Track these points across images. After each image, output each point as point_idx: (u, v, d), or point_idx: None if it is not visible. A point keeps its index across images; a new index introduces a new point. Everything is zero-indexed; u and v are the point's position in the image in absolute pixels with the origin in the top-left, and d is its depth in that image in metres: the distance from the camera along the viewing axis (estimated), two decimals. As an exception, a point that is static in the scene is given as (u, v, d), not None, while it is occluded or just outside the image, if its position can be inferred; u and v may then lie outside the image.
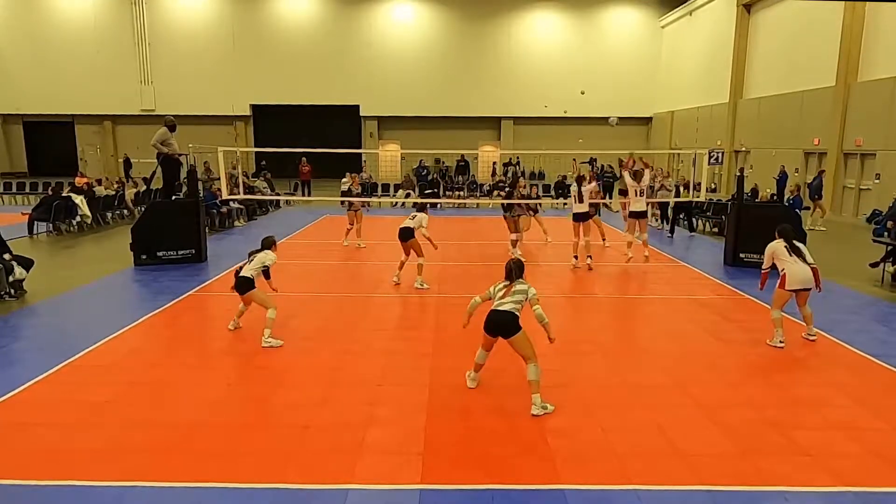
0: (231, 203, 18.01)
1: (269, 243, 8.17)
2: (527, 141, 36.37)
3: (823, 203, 19.26)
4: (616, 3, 36.86)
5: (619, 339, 8.37)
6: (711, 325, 8.82)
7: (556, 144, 33.01)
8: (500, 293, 6.08)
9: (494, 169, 28.01)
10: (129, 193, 20.11)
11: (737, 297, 10.39)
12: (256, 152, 32.41)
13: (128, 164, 30.65)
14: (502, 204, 14.19)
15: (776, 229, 7.89)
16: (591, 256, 12.58)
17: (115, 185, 20.77)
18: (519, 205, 13.67)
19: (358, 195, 15.40)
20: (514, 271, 6.13)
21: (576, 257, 12.57)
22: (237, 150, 25.54)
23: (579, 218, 12.36)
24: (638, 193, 12.69)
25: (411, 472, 4.83)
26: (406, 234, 10.62)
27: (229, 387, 6.46)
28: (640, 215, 12.82)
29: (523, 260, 6.35)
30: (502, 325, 5.92)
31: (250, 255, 8.07)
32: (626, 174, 13.03)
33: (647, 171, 12.84)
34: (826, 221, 18.86)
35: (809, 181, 20.42)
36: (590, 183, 12.58)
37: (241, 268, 7.99)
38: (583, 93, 33.40)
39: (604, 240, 14.52)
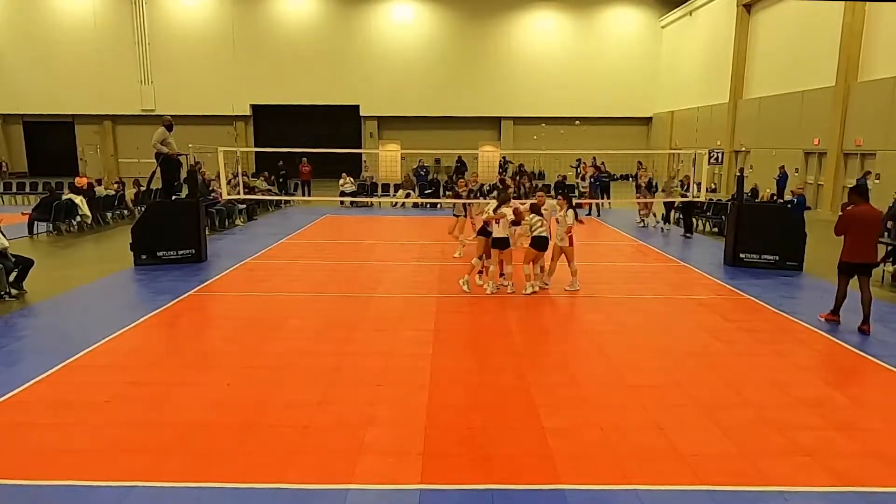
0: (220, 199, 17.54)
1: (505, 199, 9.90)
2: (527, 141, 36.39)
3: None
4: (616, 3, 36.89)
5: (618, 339, 8.36)
6: (711, 325, 8.81)
7: (556, 144, 33.07)
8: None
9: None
10: (129, 193, 20.11)
11: (737, 297, 10.39)
12: (257, 152, 32.43)
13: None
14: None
15: None
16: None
17: (115, 185, 20.75)
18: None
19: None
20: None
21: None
22: (237, 150, 25.55)
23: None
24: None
25: (411, 472, 4.83)
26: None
27: (229, 387, 6.45)
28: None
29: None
30: None
31: (496, 210, 9.69)
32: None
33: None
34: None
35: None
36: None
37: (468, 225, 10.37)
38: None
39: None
